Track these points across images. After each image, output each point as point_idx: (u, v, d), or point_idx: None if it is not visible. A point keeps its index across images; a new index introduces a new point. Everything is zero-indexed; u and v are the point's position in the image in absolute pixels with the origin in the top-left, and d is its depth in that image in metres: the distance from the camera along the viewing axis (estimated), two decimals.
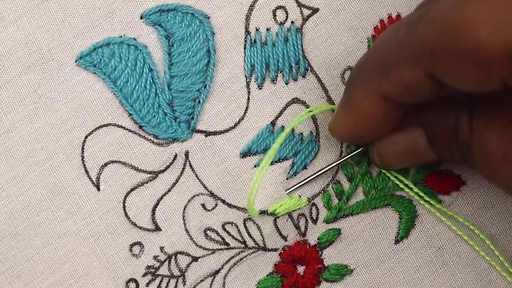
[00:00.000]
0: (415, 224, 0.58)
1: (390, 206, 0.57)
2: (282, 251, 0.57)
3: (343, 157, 0.56)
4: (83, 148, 0.56)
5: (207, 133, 0.57)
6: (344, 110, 0.50)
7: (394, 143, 0.52)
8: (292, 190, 0.56)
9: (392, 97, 0.47)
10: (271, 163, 0.57)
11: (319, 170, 0.56)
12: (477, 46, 0.39)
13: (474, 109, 0.47)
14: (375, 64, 0.47)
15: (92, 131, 0.56)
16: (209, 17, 0.56)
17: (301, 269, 0.57)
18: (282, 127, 0.57)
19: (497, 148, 0.45)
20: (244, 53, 0.56)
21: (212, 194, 0.57)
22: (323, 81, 0.57)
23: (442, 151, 0.51)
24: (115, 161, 0.56)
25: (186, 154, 0.56)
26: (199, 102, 0.56)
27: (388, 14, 0.57)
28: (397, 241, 0.58)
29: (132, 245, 0.56)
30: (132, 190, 0.56)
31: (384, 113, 0.48)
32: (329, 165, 0.56)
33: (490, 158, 0.46)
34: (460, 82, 0.42)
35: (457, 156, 0.49)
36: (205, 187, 0.56)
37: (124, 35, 0.56)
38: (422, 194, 0.57)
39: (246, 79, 0.57)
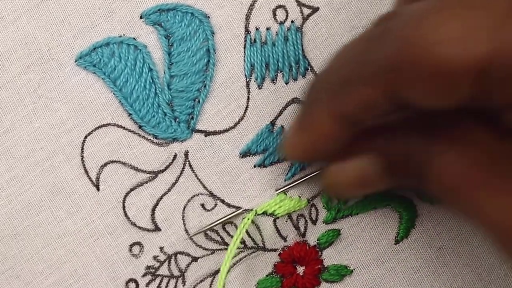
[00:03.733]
0: (416, 224, 0.57)
1: (390, 206, 0.57)
2: (281, 252, 0.57)
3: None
4: (82, 148, 0.56)
5: (207, 133, 0.56)
6: (300, 129, 0.48)
7: (345, 171, 0.49)
8: (282, 191, 0.56)
9: (351, 117, 0.45)
10: (270, 164, 0.57)
11: (310, 174, 0.56)
12: (438, 63, 0.38)
13: (431, 132, 0.45)
14: (333, 82, 0.45)
15: (92, 131, 0.56)
16: (209, 17, 0.56)
17: (300, 269, 0.57)
18: (282, 127, 0.57)
19: (457, 170, 0.43)
20: (244, 52, 0.56)
21: (211, 194, 0.56)
22: None
23: (398, 178, 0.48)
24: (115, 161, 0.56)
25: (186, 154, 0.56)
26: (198, 102, 0.56)
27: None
28: (397, 241, 0.58)
29: (131, 245, 0.56)
30: (131, 190, 0.56)
31: (341, 133, 0.46)
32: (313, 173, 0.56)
33: (449, 182, 0.43)
34: (423, 100, 0.40)
35: (412, 182, 0.46)
36: (204, 187, 0.56)
37: (123, 34, 0.56)
38: None
39: (246, 79, 0.57)
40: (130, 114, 0.56)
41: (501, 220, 0.42)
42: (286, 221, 0.57)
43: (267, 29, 0.56)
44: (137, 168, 0.56)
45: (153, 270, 0.56)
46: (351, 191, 0.52)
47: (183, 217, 0.56)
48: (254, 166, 0.57)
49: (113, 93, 0.56)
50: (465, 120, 0.44)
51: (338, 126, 0.46)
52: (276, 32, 0.56)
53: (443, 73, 0.38)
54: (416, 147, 0.45)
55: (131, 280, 0.56)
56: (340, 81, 0.44)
